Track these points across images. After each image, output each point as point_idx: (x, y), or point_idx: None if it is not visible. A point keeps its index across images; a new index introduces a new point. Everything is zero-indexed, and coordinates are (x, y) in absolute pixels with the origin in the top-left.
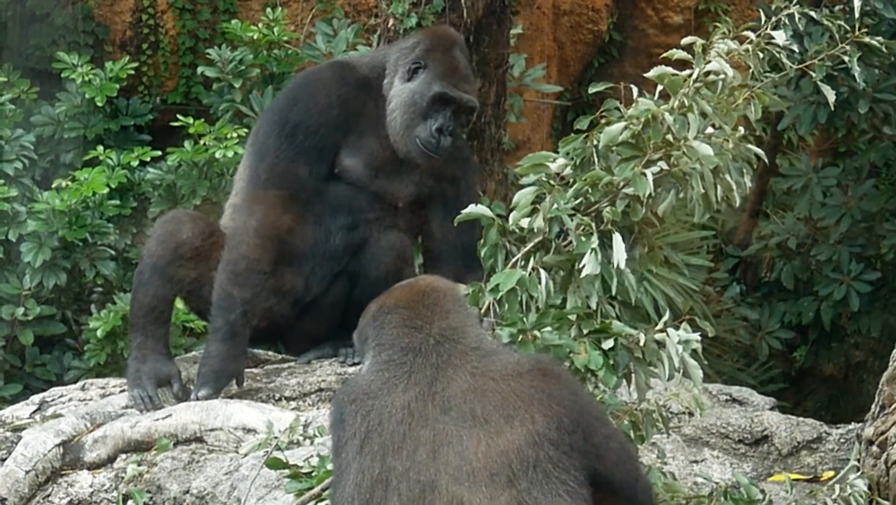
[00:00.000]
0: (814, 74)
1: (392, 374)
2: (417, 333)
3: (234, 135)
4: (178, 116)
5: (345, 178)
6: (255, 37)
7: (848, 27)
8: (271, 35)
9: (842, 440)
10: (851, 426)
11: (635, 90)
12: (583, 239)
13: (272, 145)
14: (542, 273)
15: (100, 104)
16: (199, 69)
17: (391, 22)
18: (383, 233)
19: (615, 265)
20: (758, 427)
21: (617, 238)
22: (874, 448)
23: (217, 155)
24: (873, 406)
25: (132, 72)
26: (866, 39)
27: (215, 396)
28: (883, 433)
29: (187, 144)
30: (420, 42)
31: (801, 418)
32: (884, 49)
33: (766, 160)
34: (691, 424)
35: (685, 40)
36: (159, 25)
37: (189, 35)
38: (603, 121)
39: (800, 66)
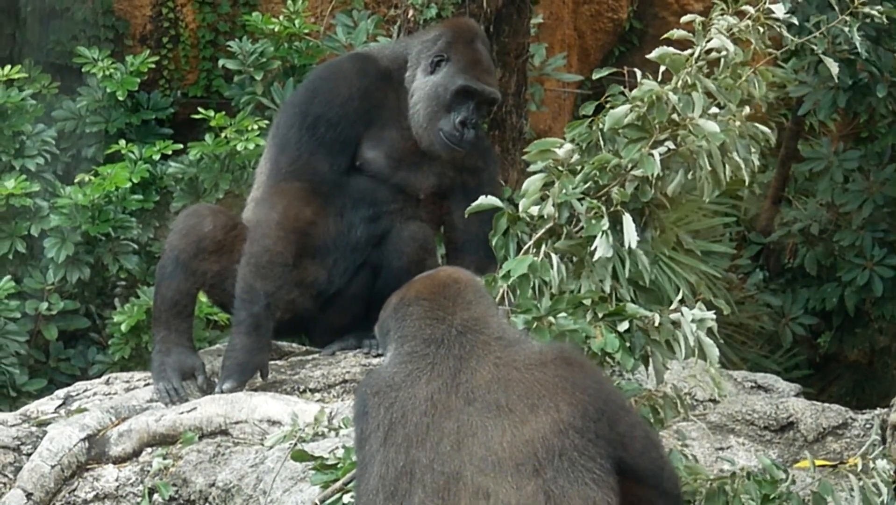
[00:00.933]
0: (815, 48)
1: (415, 365)
2: (439, 325)
3: (256, 127)
4: (200, 109)
5: (366, 170)
6: (275, 29)
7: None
8: (292, 27)
9: (867, 426)
10: (877, 411)
11: (639, 73)
12: (593, 222)
13: (293, 138)
14: (554, 257)
15: (121, 98)
16: (220, 62)
17: (411, 13)
18: (405, 224)
19: (627, 246)
20: (783, 414)
21: (627, 219)
22: None
23: (238, 148)
24: None
25: (153, 65)
26: (866, 9)
27: (240, 388)
28: None
29: (208, 138)
30: (442, 34)
31: (826, 404)
32: (884, 19)
33: (772, 139)
34: (716, 412)
35: (684, 18)
36: (179, 19)
37: (209, 28)
38: (608, 105)
39: (801, 39)
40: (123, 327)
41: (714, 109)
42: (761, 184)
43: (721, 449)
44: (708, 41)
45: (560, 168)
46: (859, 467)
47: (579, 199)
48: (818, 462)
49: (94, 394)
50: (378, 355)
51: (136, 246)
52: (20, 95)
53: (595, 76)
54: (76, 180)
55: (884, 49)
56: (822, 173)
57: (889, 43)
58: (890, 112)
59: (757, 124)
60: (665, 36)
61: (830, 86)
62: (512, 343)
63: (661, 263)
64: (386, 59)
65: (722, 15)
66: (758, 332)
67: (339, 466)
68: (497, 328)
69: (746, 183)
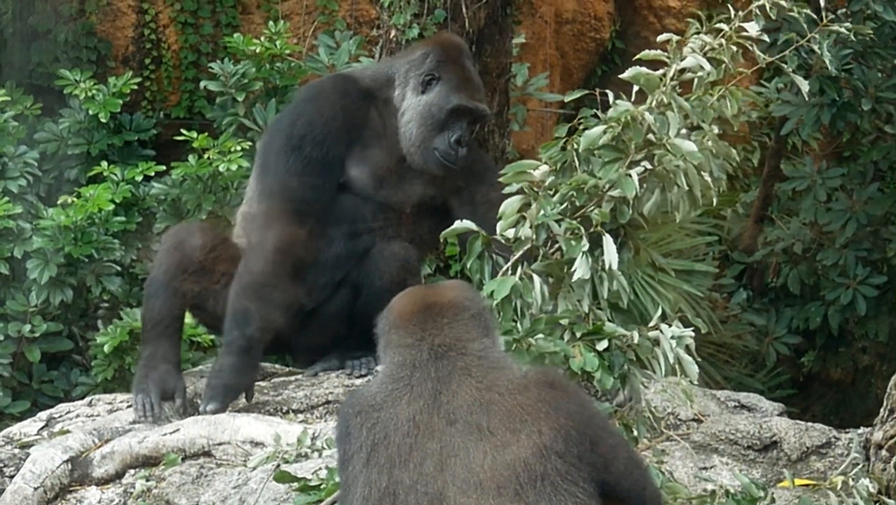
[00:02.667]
0: (785, 66)
1: (395, 386)
2: (412, 350)
3: (238, 148)
4: (182, 131)
5: (350, 188)
6: (257, 50)
7: (816, 16)
8: (274, 48)
9: (851, 445)
10: (860, 431)
11: (611, 94)
12: (573, 243)
13: (281, 160)
14: (536, 278)
15: (104, 120)
16: (202, 83)
17: (393, 33)
18: (387, 243)
19: (606, 267)
20: (766, 433)
21: (608, 240)
22: (883, 452)
23: (221, 168)
24: (882, 410)
25: (135, 87)
26: (834, 27)
27: (222, 410)
28: (892, 437)
29: (191, 159)
30: (430, 52)
31: (809, 423)
32: (852, 36)
33: (738, 159)
34: (700, 431)
35: (661, 37)
36: (161, 40)
37: (191, 49)
38: (581, 126)
39: (773, 58)
40: (106, 349)
41: (685, 130)
42: (744, 203)
43: (704, 469)
44: (682, 59)
45: (536, 190)
46: (839, 486)
47: (557, 221)
48: (801, 481)
49: (77, 416)
50: (361, 376)
51: (118, 267)
52: (2, 117)
53: (567, 99)
54: (59, 202)
55: (867, 67)
56: (805, 192)
57: (873, 60)
58: (873, 129)
59: (726, 143)
60: (638, 56)
61: (813, 104)
62: (493, 366)
63: (642, 283)
64: (368, 79)
65: (697, 34)
66: (741, 351)
67: (322, 487)
68: (478, 349)
69: (713, 203)
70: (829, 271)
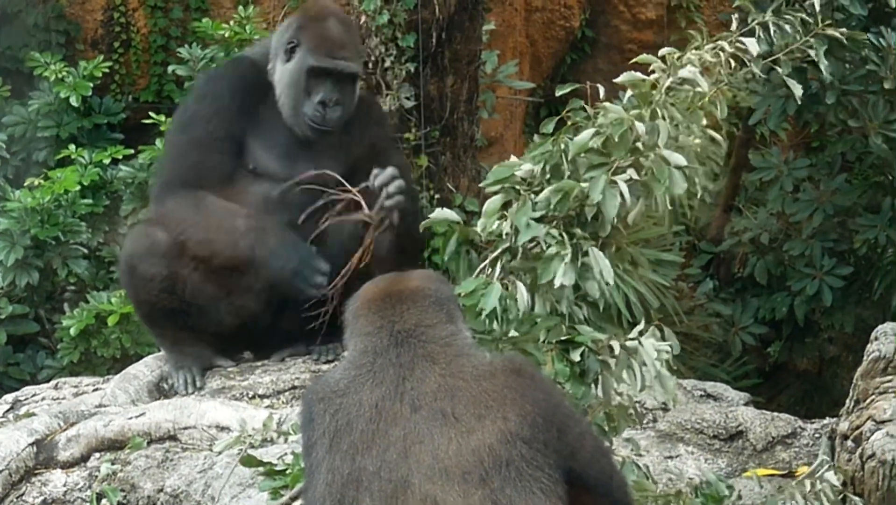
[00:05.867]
0: (780, 70)
1: (357, 372)
2: (379, 333)
3: None
4: (151, 114)
5: (266, 174)
6: (226, 35)
7: (812, 21)
8: (243, 33)
9: (816, 435)
10: (826, 421)
11: (602, 90)
12: (557, 251)
13: (171, 142)
14: (520, 286)
15: (74, 104)
16: (171, 67)
17: (363, 19)
18: (323, 220)
19: (600, 277)
20: (732, 422)
21: (597, 253)
22: (849, 443)
23: None
24: (847, 401)
25: (106, 70)
26: (830, 31)
27: None
28: (857, 428)
29: (159, 142)
30: (294, 19)
31: (775, 413)
32: (845, 42)
33: (721, 156)
34: (665, 420)
35: (662, 51)
36: (131, 24)
37: (161, 33)
38: (570, 122)
39: (766, 60)
40: (72, 332)
41: (675, 134)
42: (712, 192)
43: (670, 458)
44: (680, 69)
45: (518, 188)
46: (806, 485)
47: (537, 220)
48: (765, 472)
49: (43, 399)
50: (328, 361)
51: (85, 250)
52: None
53: (558, 93)
54: (26, 184)
55: (835, 59)
56: (773, 182)
57: (840, 52)
58: (840, 121)
59: (713, 133)
60: (634, 60)
61: (780, 95)
62: (460, 353)
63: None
64: (258, 56)
65: (697, 49)
66: (707, 341)
67: (287, 472)
68: (445, 336)
69: (695, 209)
70: (796, 262)
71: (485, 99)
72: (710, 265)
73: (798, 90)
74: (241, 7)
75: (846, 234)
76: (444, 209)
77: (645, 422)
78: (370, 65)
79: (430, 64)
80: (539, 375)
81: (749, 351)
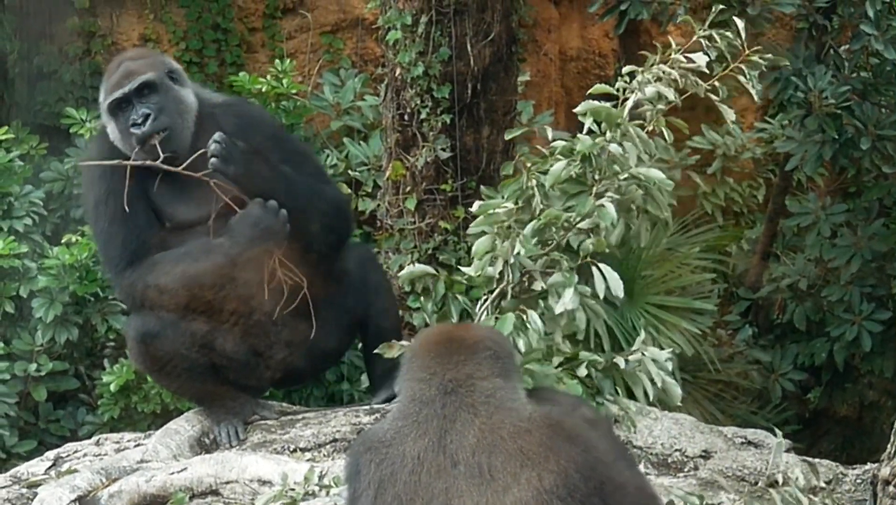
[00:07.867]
0: (716, 97)
1: (404, 423)
2: (425, 384)
3: None
4: None
5: (185, 223)
6: (263, 89)
7: (738, 46)
8: (280, 87)
9: (858, 481)
10: (867, 467)
11: (549, 131)
12: (559, 276)
13: (94, 228)
14: (533, 314)
15: None
16: None
17: (398, 71)
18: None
19: (613, 294)
20: (773, 469)
21: (605, 269)
22: (891, 488)
23: None
24: (889, 446)
25: None
26: (755, 58)
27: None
28: None
29: None
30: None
31: (816, 460)
32: (764, 66)
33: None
34: (707, 467)
35: (625, 69)
36: None
37: None
38: (530, 165)
39: (705, 85)
40: (112, 387)
41: (646, 157)
42: (749, 239)
43: None
44: (643, 88)
45: (503, 226)
46: None
47: (530, 257)
48: None
49: (84, 455)
50: (370, 414)
51: (124, 306)
52: (8, 157)
53: (507, 136)
54: (63, 241)
55: (870, 104)
56: (810, 228)
57: (875, 97)
58: (875, 166)
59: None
60: (590, 91)
61: (816, 140)
62: (500, 407)
63: (644, 320)
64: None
65: (653, 65)
66: (747, 388)
67: None
68: (488, 388)
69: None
70: (835, 307)
71: (521, 149)
72: (749, 312)
73: (731, 115)
74: (277, 61)
75: (884, 280)
76: (419, 264)
77: (686, 469)
78: (405, 117)
79: (466, 115)
80: (577, 429)
81: (789, 397)
